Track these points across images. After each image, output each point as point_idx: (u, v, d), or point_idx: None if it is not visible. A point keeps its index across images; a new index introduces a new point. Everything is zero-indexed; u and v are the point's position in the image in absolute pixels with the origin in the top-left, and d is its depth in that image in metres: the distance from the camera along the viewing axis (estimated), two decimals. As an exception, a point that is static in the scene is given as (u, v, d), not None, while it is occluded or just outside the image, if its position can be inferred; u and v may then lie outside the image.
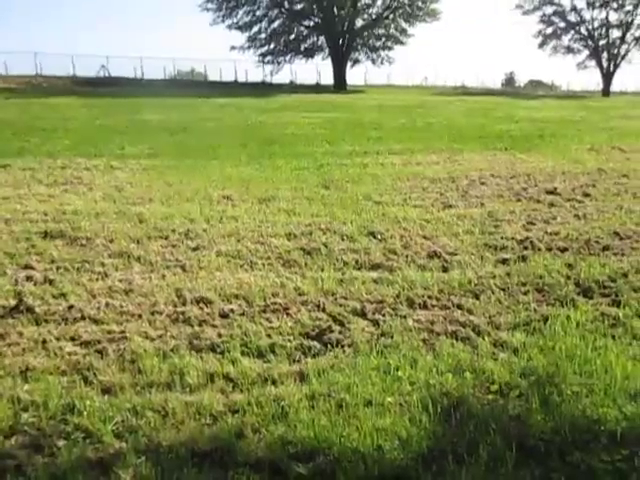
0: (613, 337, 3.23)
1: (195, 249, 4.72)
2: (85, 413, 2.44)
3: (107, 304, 3.62)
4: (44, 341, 3.14)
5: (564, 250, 4.82)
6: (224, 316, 3.46)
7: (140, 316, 3.47)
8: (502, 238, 5.11)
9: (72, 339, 3.19)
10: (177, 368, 2.83)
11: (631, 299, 3.75)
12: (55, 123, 14.84)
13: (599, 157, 10.65)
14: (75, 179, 7.84)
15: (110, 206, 6.20)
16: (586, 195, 7.08)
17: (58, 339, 3.18)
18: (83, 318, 3.45)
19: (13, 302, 3.63)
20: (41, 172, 8.30)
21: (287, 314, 3.48)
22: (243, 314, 3.48)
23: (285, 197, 6.69)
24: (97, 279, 4.08)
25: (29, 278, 4.07)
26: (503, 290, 3.92)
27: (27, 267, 4.32)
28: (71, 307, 3.57)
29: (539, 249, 4.83)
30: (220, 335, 3.20)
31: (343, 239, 5.04)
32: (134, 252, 4.61)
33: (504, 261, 4.52)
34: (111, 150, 10.52)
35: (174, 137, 12.72)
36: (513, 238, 5.10)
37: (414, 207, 6.31)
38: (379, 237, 5.09)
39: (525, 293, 3.90)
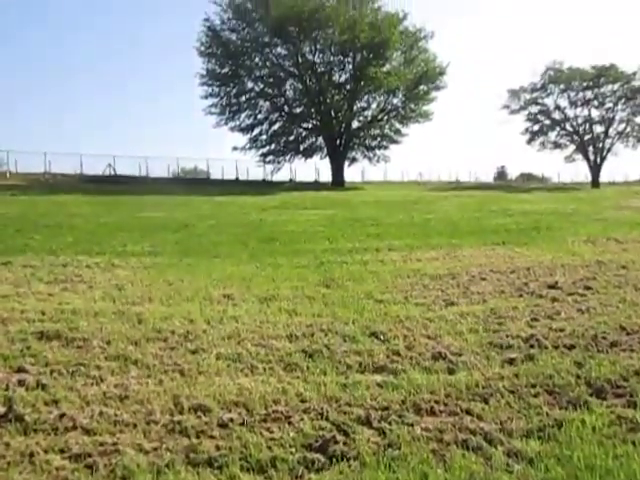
0: (633, 443, 3.05)
1: (194, 352, 4.60)
2: (70, 541, 2.25)
3: (101, 412, 3.46)
4: (31, 454, 2.96)
5: (571, 347, 4.71)
6: (223, 426, 3.30)
7: (135, 426, 3.30)
8: (507, 336, 5.00)
9: (61, 451, 3.02)
10: (172, 486, 2.65)
11: (646, 400, 3.61)
12: (59, 220, 15.12)
13: (596, 249, 10.76)
14: (76, 277, 7.84)
15: (109, 306, 6.14)
16: (588, 288, 7.05)
17: (46, 451, 3.00)
18: (75, 428, 3.28)
19: (2, 409, 3.48)
20: (42, 270, 8.31)
21: (289, 423, 3.31)
22: (243, 424, 3.32)
23: (286, 296, 6.63)
24: (92, 384, 3.94)
25: (21, 382, 3.93)
26: (512, 393, 3.78)
27: (20, 370, 4.18)
28: (63, 415, 3.42)
29: (546, 347, 4.72)
30: (218, 447, 3.03)
31: (345, 340, 4.92)
32: (131, 355, 4.49)
33: (511, 361, 4.40)
34: (113, 248, 10.62)
35: (175, 235, 12.90)
36: (518, 336, 5.00)
37: (416, 305, 6.24)
38: (382, 338, 4.98)
39: (535, 395, 3.75)
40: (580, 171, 64.11)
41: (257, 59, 46.36)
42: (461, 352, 4.60)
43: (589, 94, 58.97)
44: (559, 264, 8.85)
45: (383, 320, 5.59)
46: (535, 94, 60.12)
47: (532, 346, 4.75)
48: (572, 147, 61.69)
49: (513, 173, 71.16)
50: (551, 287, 7.16)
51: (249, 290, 6.98)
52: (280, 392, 3.76)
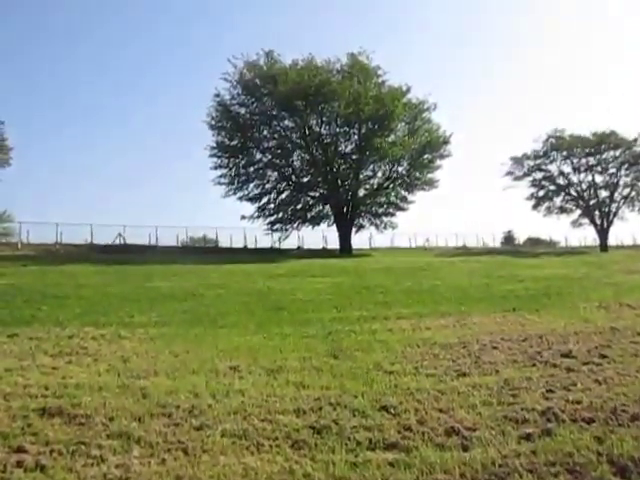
0: (662, 530, 2.87)
1: (199, 428, 4.45)
2: None
3: (100, 496, 3.33)
4: None
5: (590, 421, 4.52)
6: (227, 510, 3.15)
7: (135, 511, 3.16)
8: (522, 409, 4.82)
9: (57, 540, 2.88)
10: None
11: (673, 480, 3.42)
12: (68, 290, 15.15)
13: (609, 315, 10.58)
14: (81, 349, 7.75)
15: (114, 379, 6.02)
16: (603, 357, 6.86)
17: (41, 541, 2.87)
18: (72, 513, 3.14)
19: (-1, 494, 3.36)
20: (48, 342, 8.24)
21: (296, 507, 3.16)
22: (248, 508, 3.17)
23: (293, 368, 6.49)
24: (92, 464, 3.80)
25: (19, 463, 3.80)
26: (531, 472, 3.60)
27: (20, 450, 4.05)
28: (61, 500, 3.28)
29: (563, 421, 4.54)
30: (222, 536, 2.87)
31: (354, 415, 4.75)
32: (134, 432, 4.35)
33: (528, 436, 4.22)
34: (120, 318, 10.57)
35: (183, 304, 12.85)
36: (534, 409, 4.82)
37: (427, 376, 6.07)
38: (392, 411, 4.81)
39: (555, 475, 3.56)
40: (588, 234, 64.12)
41: (265, 131, 47.91)
42: (475, 427, 4.42)
43: (592, 160, 59.86)
44: (572, 331, 8.68)
45: (393, 393, 5.43)
46: (538, 161, 61.14)
47: (549, 420, 4.57)
48: (578, 212, 62.01)
49: (520, 237, 71.24)
50: (565, 356, 6.98)
51: (256, 361, 6.84)
52: (287, 472, 3.60)
